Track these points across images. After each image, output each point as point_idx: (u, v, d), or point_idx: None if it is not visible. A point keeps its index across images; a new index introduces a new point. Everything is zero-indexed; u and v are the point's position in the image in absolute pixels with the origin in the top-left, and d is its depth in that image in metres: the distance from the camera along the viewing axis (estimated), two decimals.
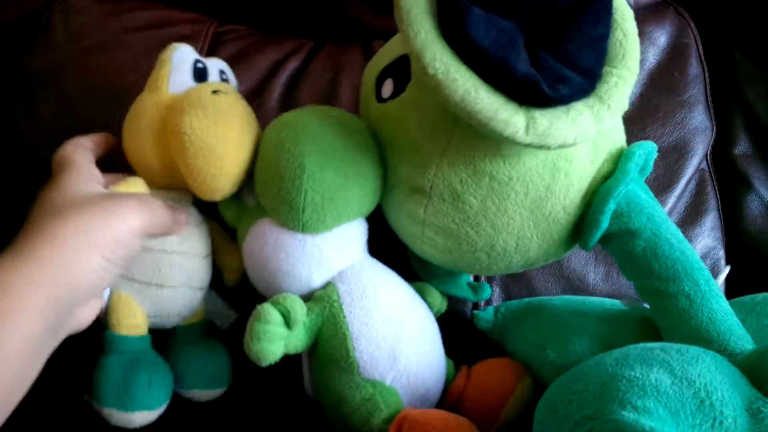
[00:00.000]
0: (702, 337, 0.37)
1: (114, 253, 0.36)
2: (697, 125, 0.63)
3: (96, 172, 0.41)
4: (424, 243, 0.43)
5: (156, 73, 0.44)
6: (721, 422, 0.29)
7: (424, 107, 0.39)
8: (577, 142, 0.34)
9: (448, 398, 0.45)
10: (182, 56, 0.44)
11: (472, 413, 0.41)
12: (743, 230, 0.63)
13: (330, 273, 0.44)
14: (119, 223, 0.36)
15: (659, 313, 0.40)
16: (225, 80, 0.47)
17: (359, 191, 0.42)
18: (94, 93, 0.61)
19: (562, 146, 0.33)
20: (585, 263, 0.58)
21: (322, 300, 0.42)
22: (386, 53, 0.44)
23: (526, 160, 0.38)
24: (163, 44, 0.63)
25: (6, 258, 0.33)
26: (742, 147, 0.64)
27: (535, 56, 0.34)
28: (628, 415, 0.29)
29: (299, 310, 0.40)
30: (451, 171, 0.39)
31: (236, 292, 0.50)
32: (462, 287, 0.52)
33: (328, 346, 0.42)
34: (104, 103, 0.60)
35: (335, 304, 0.42)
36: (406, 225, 0.44)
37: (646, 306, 0.42)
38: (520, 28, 0.34)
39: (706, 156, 0.64)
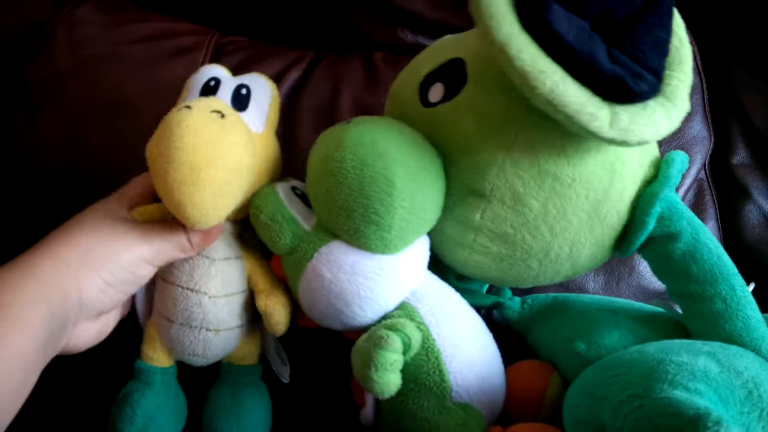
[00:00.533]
0: (735, 341, 0.38)
1: (113, 276, 0.36)
2: (696, 135, 0.64)
3: (133, 196, 0.41)
4: (475, 251, 0.42)
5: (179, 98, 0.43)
6: None
7: (485, 108, 0.38)
8: (652, 140, 0.34)
9: None
10: (199, 77, 0.42)
11: (511, 422, 0.41)
12: (742, 240, 0.63)
13: (404, 294, 0.41)
14: (121, 248, 0.37)
15: (693, 317, 0.40)
16: (244, 95, 0.43)
17: (437, 201, 0.39)
18: (96, 103, 0.62)
19: (640, 143, 0.33)
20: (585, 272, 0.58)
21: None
22: (426, 61, 0.43)
23: (588, 161, 0.38)
24: (165, 55, 0.64)
25: (5, 273, 0.33)
26: (740, 157, 0.65)
27: (611, 54, 0.34)
28: (680, 394, 0.28)
29: (417, 336, 0.38)
30: (513, 172, 0.38)
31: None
32: (483, 296, 0.51)
33: (419, 372, 0.39)
34: (106, 114, 0.61)
35: (421, 327, 0.39)
36: (454, 234, 0.42)
37: (677, 309, 0.43)
38: (590, 27, 0.35)
39: (705, 166, 0.65)
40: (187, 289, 0.41)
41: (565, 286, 0.58)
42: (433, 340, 0.39)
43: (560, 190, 0.38)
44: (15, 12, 0.67)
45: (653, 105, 0.34)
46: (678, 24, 0.38)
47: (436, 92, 0.41)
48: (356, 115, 0.61)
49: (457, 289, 0.49)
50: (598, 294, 0.58)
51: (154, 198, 0.41)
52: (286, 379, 0.47)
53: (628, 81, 0.33)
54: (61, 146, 0.61)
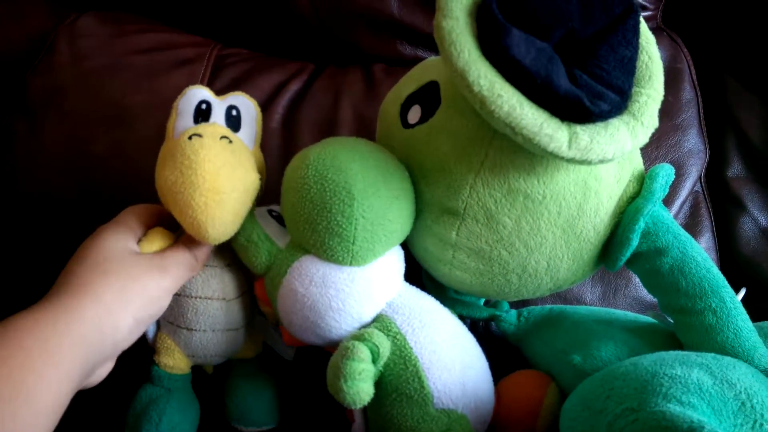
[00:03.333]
0: (728, 352, 0.38)
1: (144, 311, 0.37)
2: (691, 148, 0.64)
3: (135, 228, 0.41)
4: (455, 267, 0.43)
5: (168, 122, 0.44)
6: (761, 425, 0.30)
7: (456, 130, 0.40)
8: (615, 158, 0.34)
9: None
10: (188, 99, 0.43)
11: (509, 430, 0.42)
12: (737, 252, 0.63)
13: (380, 305, 0.42)
14: (151, 283, 0.38)
15: (684, 330, 0.41)
16: (235, 116, 0.45)
17: (403, 212, 0.41)
18: (97, 114, 0.62)
19: (602, 161, 0.34)
20: (582, 283, 0.58)
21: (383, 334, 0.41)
22: (409, 82, 0.45)
23: (559, 179, 0.39)
24: (166, 67, 0.65)
25: (49, 311, 0.33)
26: (735, 170, 0.65)
27: (572, 74, 0.34)
28: (674, 407, 0.29)
29: (386, 344, 0.39)
30: (485, 191, 0.39)
31: None
32: (480, 308, 0.52)
33: (398, 381, 0.39)
34: (107, 124, 0.62)
35: (398, 336, 0.40)
36: (434, 250, 0.43)
37: (672, 321, 0.43)
38: (553, 49, 0.35)
39: (700, 178, 0.65)
40: (206, 298, 0.44)
41: (562, 297, 0.58)
42: (410, 348, 0.40)
43: (532, 207, 0.39)
44: (17, 23, 0.67)
45: (616, 123, 0.35)
46: (648, 40, 0.39)
47: (414, 114, 0.43)
48: (356, 126, 0.62)
49: (454, 302, 0.49)
50: (595, 305, 0.58)
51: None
52: (289, 357, 0.49)
53: (585, 101, 0.33)
54: (61, 156, 0.61)
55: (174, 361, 0.45)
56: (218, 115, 0.44)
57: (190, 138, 0.39)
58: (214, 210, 0.38)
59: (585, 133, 0.34)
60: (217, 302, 0.44)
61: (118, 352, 0.38)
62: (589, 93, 0.34)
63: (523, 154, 0.38)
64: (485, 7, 0.35)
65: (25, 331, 0.31)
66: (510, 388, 0.45)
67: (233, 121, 0.44)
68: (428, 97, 0.42)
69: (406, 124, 0.43)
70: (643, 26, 0.39)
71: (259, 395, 0.49)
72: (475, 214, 0.40)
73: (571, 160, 0.34)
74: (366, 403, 0.37)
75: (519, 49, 0.33)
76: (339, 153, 0.39)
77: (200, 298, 0.44)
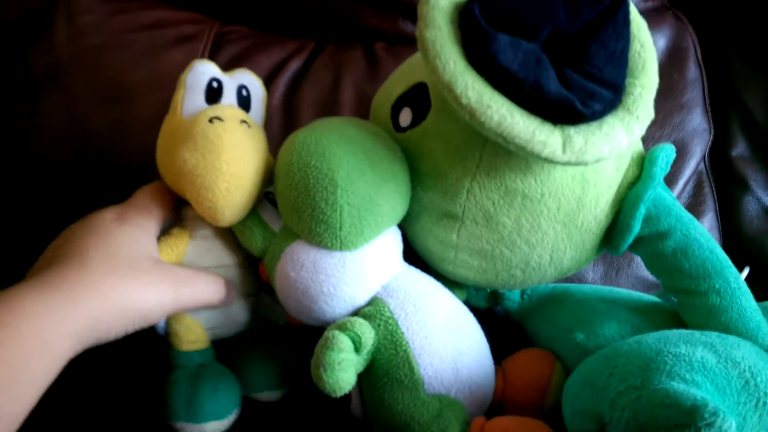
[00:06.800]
0: (732, 332, 0.38)
1: (134, 326, 0.36)
2: (696, 127, 0.64)
3: (155, 218, 0.41)
4: (458, 266, 0.43)
5: (174, 96, 0.43)
6: (765, 403, 0.30)
7: (449, 134, 0.39)
8: (612, 155, 0.34)
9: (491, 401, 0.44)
10: (197, 76, 0.43)
11: (516, 411, 0.41)
12: (740, 231, 0.63)
13: (374, 288, 0.42)
14: (153, 299, 0.37)
15: (689, 310, 0.41)
16: (246, 96, 0.45)
17: (393, 195, 0.40)
18: (97, 92, 0.62)
19: (598, 161, 0.33)
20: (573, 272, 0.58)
21: (374, 318, 0.40)
22: (398, 81, 0.44)
23: (556, 176, 0.38)
24: (166, 44, 0.64)
25: (50, 294, 0.33)
26: (739, 149, 0.65)
27: (562, 74, 0.34)
28: (678, 385, 0.29)
29: (368, 333, 0.38)
30: (482, 194, 0.39)
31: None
32: (481, 297, 0.52)
33: (389, 365, 0.39)
34: (107, 102, 0.61)
35: (390, 321, 0.40)
36: (437, 250, 0.43)
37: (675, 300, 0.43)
38: (542, 49, 0.35)
39: (704, 158, 0.65)
40: (226, 266, 0.44)
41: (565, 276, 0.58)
42: (402, 333, 0.39)
43: (531, 206, 0.39)
44: (15, 1, 0.67)
45: (611, 121, 0.34)
46: (639, 28, 0.38)
47: (405, 117, 0.42)
48: (357, 104, 0.62)
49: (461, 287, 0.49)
50: (597, 284, 0.58)
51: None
52: (283, 321, 0.48)
53: (576, 104, 0.33)
54: (62, 134, 0.61)
55: (196, 335, 0.44)
56: (229, 94, 0.43)
57: (211, 121, 0.40)
58: (234, 195, 0.39)
59: (579, 135, 0.33)
60: (235, 269, 0.45)
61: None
62: (580, 93, 0.33)
63: (518, 155, 0.37)
64: (468, 14, 0.34)
65: (20, 314, 0.31)
66: (517, 366, 0.45)
67: (244, 101, 0.44)
68: (418, 99, 0.41)
69: (398, 128, 0.42)
70: (634, 12, 0.38)
71: (271, 361, 0.48)
72: (474, 216, 0.40)
73: (567, 163, 0.33)
74: (347, 392, 0.37)
75: (505, 55, 0.33)
76: (324, 138, 0.38)
77: (220, 267, 0.44)
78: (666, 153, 0.40)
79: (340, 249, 0.40)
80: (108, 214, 0.40)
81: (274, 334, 0.49)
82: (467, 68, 0.33)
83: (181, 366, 0.44)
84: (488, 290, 0.52)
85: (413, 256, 0.47)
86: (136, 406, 0.48)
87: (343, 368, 0.37)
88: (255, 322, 0.48)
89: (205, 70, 0.43)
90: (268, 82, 0.63)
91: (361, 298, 0.41)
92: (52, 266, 0.35)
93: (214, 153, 0.38)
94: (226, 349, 0.48)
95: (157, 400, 0.44)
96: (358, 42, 0.67)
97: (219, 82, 0.43)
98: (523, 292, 0.51)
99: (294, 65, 0.64)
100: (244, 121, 0.42)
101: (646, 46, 0.38)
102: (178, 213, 0.45)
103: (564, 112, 0.33)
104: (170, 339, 0.44)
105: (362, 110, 0.61)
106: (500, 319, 0.53)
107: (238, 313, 0.45)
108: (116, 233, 0.38)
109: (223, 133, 0.39)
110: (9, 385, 0.29)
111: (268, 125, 0.46)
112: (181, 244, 0.43)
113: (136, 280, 0.37)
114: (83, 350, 0.34)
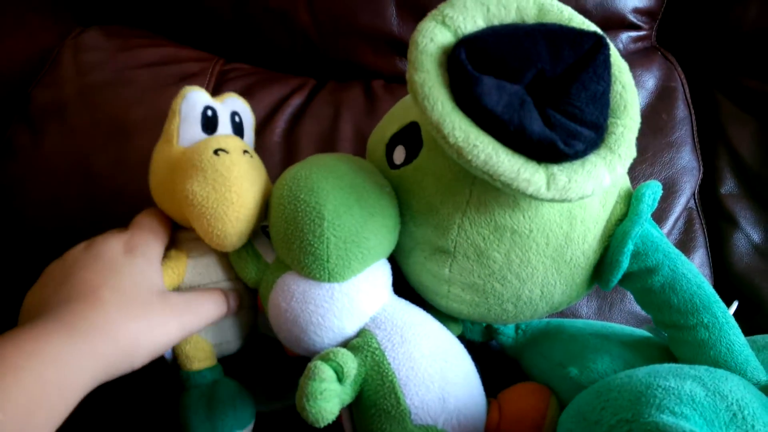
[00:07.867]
0: (720, 366, 0.38)
1: (142, 362, 0.37)
2: (685, 165, 0.65)
3: (159, 245, 0.43)
4: (451, 300, 0.44)
5: (167, 125, 0.43)
6: None
7: (440, 171, 0.40)
8: (595, 193, 0.35)
9: None
10: (191, 104, 0.43)
11: None
12: (730, 268, 0.64)
13: (362, 320, 0.42)
14: (162, 335, 0.38)
15: (678, 345, 0.41)
16: (238, 123, 0.46)
17: (380, 229, 0.41)
18: (101, 128, 0.62)
19: (582, 197, 0.34)
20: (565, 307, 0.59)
21: (362, 349, 0.41)
22: (392, 121, 0.45)
23: (544, 212, 0.39)
24: (170, 81, 0.65)
25: (66, 342, 0.33)
26: (728, 187, 0.66)
27: (546, 114, 0.35)
28: (667, 418, 0.29)
29: (351, 363, 0.39)
30: (473, 229, 0.40)
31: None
32: (476, 331, 0.52)
33: (375, 396, 0.40)
34: (110, 138, 0.62)
35: (377, 352, 0.40)
36: (430, 285, 0.44)
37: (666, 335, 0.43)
38: (526, 90, 0.36)
39: (694, 195, 0.66)
40: (230, 279, 0.45)
41: (559, 311, 0.59)
42: (388, 364, 0.40)
43: (520, 241, 0.40)
44: (22, 38, 0.68)
45: (593, 159, 0.35)
46: (620, 69, 0.39)
47: (399, 155, 0.43)
48: (356, 140, 0.63)
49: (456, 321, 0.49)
50: (591, 319, 0.59)
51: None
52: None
53: (559, 144, 0.34)
54: (64, 169, 0.62)
55: (204, 352, 0.45)
56: (225, 122, 0.45)
57: (216, 153, 0.41)
58: (242, 224, 0.41)
59: (562, 173, 0.34)
60: (234, 282, 0.45)
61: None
62: (563, 133, 0.34)
63: (506, 192, 0.38)
64: (455, 58, 0.35)
65: (40, 359, 0.31)
66: (513, 399, 0.45)
67: (237, 127, 0.45)
68: (411, 137, 0.43)
69: (392, 165, 0.44)
70: (615, 55, 0.39)
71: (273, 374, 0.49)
72: (466, 251, 0.41)
73: (552, 200, 0.34)
74: (330, 422, 0.37)
75: (490, 98, 0.34)
76: (313, 173, 0.40)
77: (226, 281, 0.45)
78: (653, 190, 0.41)
79: (329, 280, 0.41)
80: (116, 246, 0.40)
81: (272, 350, 0.50)
82: (454, 109, 0.34)
83: (194, 386, 0.44)
84: (483, 325, 0.52)
85: (409, 290, 0.47)
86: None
87: (325, 398, 0.37)
88: (257, 334, 0.48)
89: (198, 98, 0.43)
90: (270, 117, 0.64)
91: (349, 329, 0.42)
92: (64, 303, 0.35)
93: (225, 186, 0.40)
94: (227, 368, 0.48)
95: (170, 425, 0.44)
96: (357, 80, 0.69)
97: (213, 110, 0.44)
98: (517, 327, 0.51)
99: (295, 101, 0.66)
100: (246, 151, 0.43)
101: (627, 87, 0.39)
102: (173, 235, 0.45)
103: (547, 152, 0.34)
104: (180, 361, 0.44)
105: (361, 145, 0.63)
106: (496, 353, 0.53)
107: (241, 325, 0.46)
108: (126, 269, 0.39)
109: (232, 166, 0.40)
110: (25, 428, 0.30)
111: (269, 159, 0.47)
112: (181, 266, 0.43)
113: (147, 320, 0.37)
114: (95, 388, 0.35)
